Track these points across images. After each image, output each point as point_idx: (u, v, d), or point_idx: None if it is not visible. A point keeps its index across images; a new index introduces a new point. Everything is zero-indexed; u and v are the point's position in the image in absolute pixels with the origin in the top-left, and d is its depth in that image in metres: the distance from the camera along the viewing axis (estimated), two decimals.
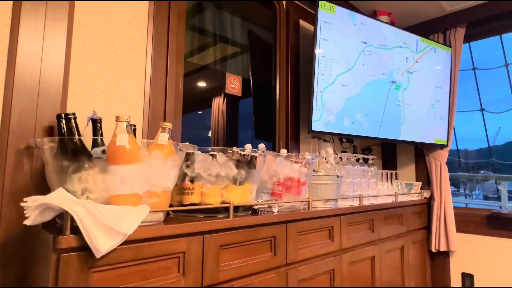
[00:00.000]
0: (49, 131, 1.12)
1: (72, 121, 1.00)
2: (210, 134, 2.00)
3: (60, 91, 1.15)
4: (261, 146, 1.40)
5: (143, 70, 1.42)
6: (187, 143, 1.17)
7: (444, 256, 2.53)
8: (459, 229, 2.48)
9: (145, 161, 0.92)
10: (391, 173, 2.49)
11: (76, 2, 1.22)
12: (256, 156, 1.22)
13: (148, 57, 1.43)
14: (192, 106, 1.84)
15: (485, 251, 2.40)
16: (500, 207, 3.13)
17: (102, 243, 0.77)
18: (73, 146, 0.92)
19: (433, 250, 2.44)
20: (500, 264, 2.32)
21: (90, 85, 1.25)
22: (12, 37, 1.07)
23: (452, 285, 2.50)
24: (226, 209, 1.13)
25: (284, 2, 2.15)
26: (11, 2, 1.07)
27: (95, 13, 1.28)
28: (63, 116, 1.00)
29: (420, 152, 2.72)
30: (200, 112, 2.05)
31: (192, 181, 1.12)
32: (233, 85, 1.93)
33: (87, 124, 1.09)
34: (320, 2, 1.98)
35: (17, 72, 1.06)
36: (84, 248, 0.78)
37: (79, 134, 1.01)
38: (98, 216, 0.77)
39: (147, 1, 1.44)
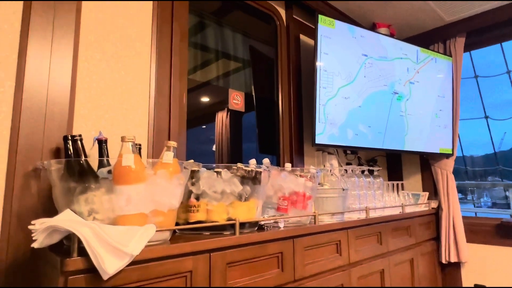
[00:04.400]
0: (56, 153, 1.13)
1: (78, 142, 1.02)
2: (214, 148, 2.01)
3: (66, 112, 1.17)
4: (266, 161, 1.41)
5: (147, 89, 1.44)
6: (192, 160, 1.18)
7: (455, 267, 2.48)
8: (469, 239, 2.44)
9: (151, 181, 0.92)
10: (397, 184, 2.48)
11: (81, 24, 1.26)
12: (260, 172, 1.22)
13: (152, 75, 1.46)
14: (196, 121, 1.86)
15: (496, 261, 2.35)
16: (510, 216, 3.08)
17: (109, 264, 0.76)
18: (79, 168, 0.93)
19: (444, 261, 2.40)
20: None
21: (95, 106, 1.27)
22: (20, 61, 1.09)
23: None
24: (232, 226, 1.13)
25: (284, 18, 2.19)
26: (19, 27, 1.11)
27: (100, 35, 1.31)
28: (70, 138, 1.02)
29: (426, 161, 2.71)
30: (204, 126, 2.06)
31: (197, 198, 1.12)
32: (236, 100, 1.94)
33: (93, 145, 1.11)
34: (319, 17, 2.01)
35: (24, 96, 1.09)
36: (91, 270, 0.77)
37: (85, 155, 1.03)
38: (105, 237, 0.78)
39: (150, 21, 1.48)
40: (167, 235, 1.00)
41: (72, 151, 1.01)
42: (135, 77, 1.40)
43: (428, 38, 2.73)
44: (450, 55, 2.62)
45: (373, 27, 2.59)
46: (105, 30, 1.33)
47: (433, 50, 2.60)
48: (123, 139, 0.92)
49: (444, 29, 2.65)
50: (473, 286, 2.42)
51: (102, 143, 1.08)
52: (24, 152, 1.06)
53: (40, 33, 1.14)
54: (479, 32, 2.55)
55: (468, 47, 2.68)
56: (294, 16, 2.25)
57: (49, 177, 0.96)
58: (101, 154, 1.07)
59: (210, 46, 1.93)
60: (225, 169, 1.18)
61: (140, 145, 1.23)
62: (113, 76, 1.33)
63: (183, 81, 1.58)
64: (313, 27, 2.06)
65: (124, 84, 1.36)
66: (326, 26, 2.04)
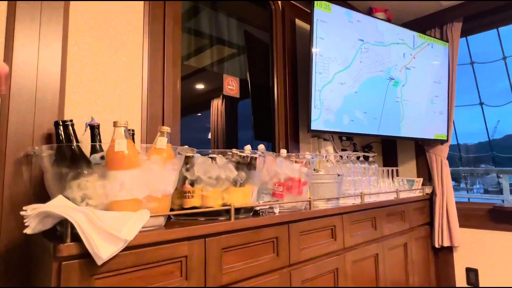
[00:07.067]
0: (47, 139, 1.11)
1: (70, 127, 1.00)
2: (209, 136, 2.00)
3: (57, 97, 1.14)
4: (261, 147, 1.40)
5: (140, 74, 1.41)
6: (186, 146, 1.16)
7: (447, 251, 2.52)
8: (461, 224, 2.48)
9: (144, 166, 0.91)
10: (392, 170, 2.49)
11: (70, 8, 1.22)
12: (256, 157, 1.22)
13: (144, 61, 1.43)
14: (190, 109, 1.83)
15: (488, 245, 2.39)
16: (502, 201, 3.12)
17: (103, 250, 0.76)
18: (71, 153, 0.91)
19: (437, 245, 2.44)
20: (504, 257, 2.32)
21: (87, 91, 1.24)
22: (7, 45, 1.06)
23: (456, 280, 2.50)
24: (227, 212, 1.12)
25: (279, 2, 2.15)
26: (6, 10, 1.07)
27: (90, 18, 1.28)
28: (61, 123, 1.00)
29: (421, 148, 2.72)
30: (199, 114, 2.04)
31: (192, 184, 1.11)
32: (231, 86, 1.92)
33: (85, 130, 1.09)
34: (315, 1, 1.98)
35: (13, 80, 1.06)
36: (85, 256, 0.77)
37: (77, 141, 1.01)
38: (98, 222, 0.77)
39: (142, 5, 1.44)
40: (161, 220, 0.99)
41: (63, 137, 0.99)
42: (127, 62, 1.37)
43: (425, 23, 2.70)
44: (447, 40, 2.60)
45: (369, 12, 2.55)
46: (95, 12, 1.30)
47: (430, 35, 2.58)
48: (115, 124, 0.90)
49: (441, 14, 2.62)
50: (464, 269, 2.47)
51: (94, 129, 1.06)
52: (14, 138, 1.04)
53: (28, 15, 1.10)
54: (476, 17, 2.53)
55: (465, 32, 2.66)
56: (290, 0, 2.21)
57: (40, 163, 0.95)
58: (93, 139, 1.06)
59: (204, 31, 1.89)
60: (220, 155, 1.17)
61: (133, 130, 1.21)
62: (104, 61, 1.30)
63: (176, 67, 1.55)
64: (309, 11, 2.02)
65: (116, 69, 1.33)
66: (322, 10, 2.01)
